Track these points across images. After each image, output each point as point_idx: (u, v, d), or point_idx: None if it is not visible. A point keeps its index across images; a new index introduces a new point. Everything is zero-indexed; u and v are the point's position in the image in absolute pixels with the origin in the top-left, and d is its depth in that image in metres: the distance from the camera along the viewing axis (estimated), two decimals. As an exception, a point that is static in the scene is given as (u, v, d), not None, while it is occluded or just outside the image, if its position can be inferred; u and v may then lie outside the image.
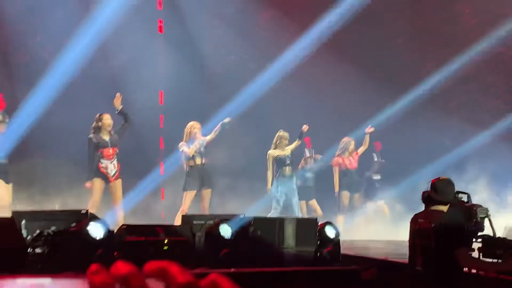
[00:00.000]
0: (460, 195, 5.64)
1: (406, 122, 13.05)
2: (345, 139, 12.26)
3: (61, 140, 10.87)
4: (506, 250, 5.27)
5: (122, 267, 0.67)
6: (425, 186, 5.63)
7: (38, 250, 5.87)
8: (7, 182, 9.36)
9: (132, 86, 11.58)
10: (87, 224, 5.87)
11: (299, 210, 11.40)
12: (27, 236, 6.02)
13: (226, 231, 6.55)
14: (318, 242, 6.91)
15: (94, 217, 6.26)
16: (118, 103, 9.88)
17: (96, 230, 5.88)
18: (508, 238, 5.54)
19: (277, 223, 6.95)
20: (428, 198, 5.49)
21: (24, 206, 9.42)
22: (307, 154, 12.47)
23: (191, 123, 10.70)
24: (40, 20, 11.83)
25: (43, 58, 11.57)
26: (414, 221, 5.55)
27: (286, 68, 13.52)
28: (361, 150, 12.35)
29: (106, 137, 9.80)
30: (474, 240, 5.50)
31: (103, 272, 0.67)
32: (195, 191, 10.33)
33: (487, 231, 5.56)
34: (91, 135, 9.79)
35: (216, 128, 10.49)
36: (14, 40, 11.77)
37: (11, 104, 10.04)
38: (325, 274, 6.17)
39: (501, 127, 12.81)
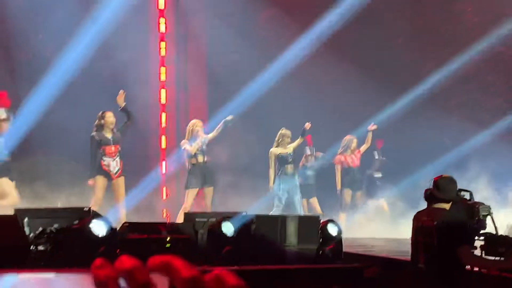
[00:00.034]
0: (462, 193, 5.64)
1: (407, 121, 13.04)
2: (347, 137, 12.26)
3: (64, 138, 10.88)
4: (508, 248, 5.27)
5: (126, 261, 0.67)
6: (426, 184, 5.63)
7: (40, 248, 5.88)
8: (11, 179, 9.42)
9: (134, 84, 11.57)
10: (89, 222, 5.88)
11: (301, 208, 11.40)
12: (29, 234, 6.03)
13: (228, 228, 6.55)
14: (320, 240, 6.91)
15: (96, 215, 6.27)
16: (121, 100, 9.88)
17: (98, 228, 5.88)
18: (511, 236, 5.54)
19: (279, 221, 6.95)
20: (430, 196, 5.49)
21: (26, 204, 9.43)
22: (308, 152, 12.47)
23: (193, 121, 10.70)
24: (42, 18, 11.84)
25: (45, 56, 11.57)
26: (416, 219, 5.55)
27: (287, 67, 13.51)
28: (363, 148, 12.35)
29: (109, 135, 9.80)
30: (476, 238, 5.50)
31: (108, 266, 0.67)
32: (197, 189, 10.33)
33: (490, 229, 5.56)
34: (94, 133, 9.80)
35: (218, 126, 10.49)
36: (16, 38, 11.78)
37: (13, 102, 10.05)
38: (327, 272, 6.17)
39: (502, 126, 12.80)
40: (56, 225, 6.02)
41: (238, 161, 12.30)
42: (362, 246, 8.72)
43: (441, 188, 5.46)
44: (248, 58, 12.67)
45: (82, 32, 11.95)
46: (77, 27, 11.94)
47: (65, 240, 5.87)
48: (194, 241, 6.60)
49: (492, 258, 5.36)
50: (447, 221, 5.29)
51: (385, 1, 13.85)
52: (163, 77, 13.23)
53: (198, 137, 10.38)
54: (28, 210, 6.71)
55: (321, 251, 6.84)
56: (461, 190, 5.62)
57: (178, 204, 11.55)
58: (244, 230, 6.59)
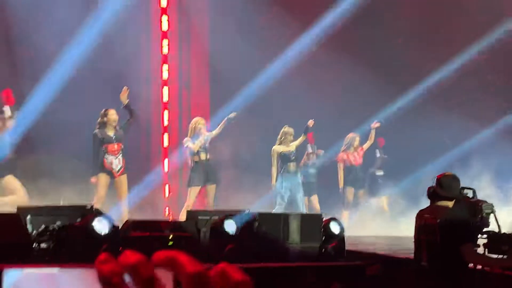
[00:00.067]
0: (465, 190, 5.63)
1: (408, 119, 13.03)
2: (350, 135, 12.27)
3: (66, 136, 10.88)
4: (511, 246, 5.26)
5: (130, 256, 0.67)
6: (428, 182, 5.62)
7: (43, 245, 5.88)
8: (16, 177, 9.50)
9: (136, 82, 11.57)
10: (92, 219, 5.88)
11: (304, 206, 11.40)
12: (32, 231, 6.03)
13: (231, 226, 6.55)
14: (323, 238, 6.91)
15: (99, 212, 6.27)
16: (124, 97, 9.88)
17: (101, 226, 5.88)
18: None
19: (282, 219, 6.95)
20: (433, 194, 5.48)
21: (29, 201, 9.46)
22: (310, 150, 12.47)
23: (195, 118, 10.71)
24: (44, 15, 11.83)
25: (47, 53, 11.57)
26: (419, 217, 5.55)
27: (289, 64, 13.50)
28: (366, 145, 12.36)
29: (111, 133, 9.80)
30: (479, 236, 5.49)
31: (112, 261, 0.66)
32: (200, 187, 10.33)
33: (493, 226, 5.55)
34: (96, 131, 9.80)
35: (221, 124, 10.50)
36: (17, 35, 11.78)
37: (16, 99, 10.05)
38: (329, 270, 6.17)
39: (504, 124, 12.79)
40: (58, 223, 6.02)
41: (241, 159, 12.30)
42: (364, 244, 8.71)
43: (444, 186, 5.45)
44: (250, 56, 12.65)
45: (84, 30, 11.95)
46: (79, 25, 11.93)
47: (68, 237, 5.87)
48: (197, 239, 6.60)
49: (495, 256, 5.36)
50: (450, 219, 5.29)
51: (386, 0, 13.86)
52: (165, 75, 13.22)
53: (201, 135, 10.38)
54: (31, 208, 6.71)
55: (323, 249, 6.84)
56: (464, 188, 5.62)
57: (180, 202, 11.55)
58: (246, 228, 6.59)
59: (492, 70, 13.53)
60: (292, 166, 11.28)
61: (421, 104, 13.22)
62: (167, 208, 12.50)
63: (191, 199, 10.29)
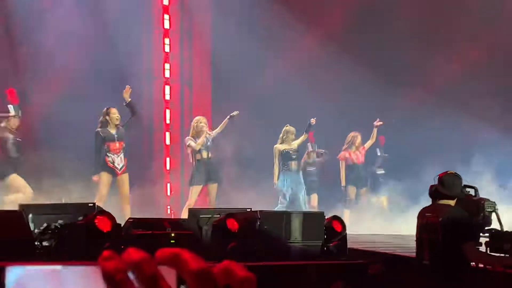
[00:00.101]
0: (467, 189, 5.63)
1: (410, 117, 13.02)
2: (352, 134, 12.27)
3: (68, 134, 10.89)
4: (513, 244, 5.26)
5: (134, 254, 0.67)
6: (428, 180, 5.62)
7: (45, 243, 5.89)
8: (20, 175, 9.60)
9: (138, 81, 11.57)
10: (94, 218, 5.88)
11: (306, 204, 11.40)
12: (34, 230, 6.03)
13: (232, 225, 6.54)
14: (325, 236, 6.90)
15: (101, 211, 6.27)
16: (127, 95, 9.91)
17: (103, 224, 5.88)
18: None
19: (284, 217, 6.94)
20: (435, 192, 5.48)
21: (31, 200, 9.49)
22: (310, 148, 12.49)
23: (197, 117, 10.72)
24: (46, 14, 11.83)
25: (48, 52, 11.57)
26: (421, 215, 5.54)
27: (291, 63, 13.50)
28: (368, 144, 12.36)
29: (113, 131, 9.82)
30: (481, 234, 5.49)
31: (116, 258, 0.66)
32: (202, 185, 10.34)
33: (495, 225, 5.55)
34: (98, 129, 9.82)
35: (224, 122, 10.52)
36: (19, 32, 11.78)
37: (18, 98, 10.07)
38: (331, 268, 6.17)
39: (505, 123, 12.79)
40: (60, 221, 6.03)
41: (243, 157, 12.29)
42: (366, 243, 8.71)
43: (446, 185, 5.45)
44: (252, 55, 12.65)
45: (86, 28, 11.94)
46: (81, 24, 11.93)
47: (70, 235, 5.88)
48: (199, 237, 6.60)
49: (497, 254, 5.35)
50: (452, 218, 5.28)
51: (386, 0, 13.86)
52: (167, 74, 13.21)
53: (203, 133, 10.39)
54: (33, 206, 6.71)
55: (325, 247, 6.83)
56: (466, 186, 5.61)
57: (182, 201, 11.56)
58: (248, 226, 6.59)
59: (493, 69, 13.51)
60: (293, 164, 11.29)
61: (421, 103, 13.21)
62: (168, 206, 12.51)
63: (192, 198, 10.29)
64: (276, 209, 10.77)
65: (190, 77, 13.65)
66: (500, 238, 5.40)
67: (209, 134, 10.47)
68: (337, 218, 7.10)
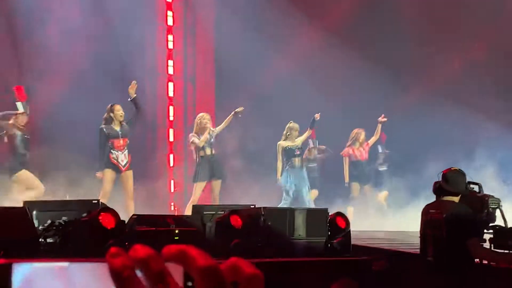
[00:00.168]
0: (471, 185, 5.62)
1: (412, 114, 13.01)
2: (356, 130, 12.26)
3: (72, 131, 10.90)
4: (518, 241, 5.26)
5: (141, 250, 0.67)
6: (432, 176, 5.61)
7: (49, 240, 5.90)
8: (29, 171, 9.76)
9: (141, 77, 11.57)
10: (98, 214, 5.88)
11: (310, 201, 11.40)
12: (38, 226, 6.04)
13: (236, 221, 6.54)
14: (329, 233, 6.90)
15: (105, 207, 6.27)
16: (132, 91, 9.92)
17: (107, 220, 5.88)
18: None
19: (288, 213, 6.94)
20: (439, 189, 5.47)
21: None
22: (311, 144, 12.49)
23: (201, 114, 10.72)
24: (49, 10, 11.83)
25: (52, 49, 11.58)
26: (425, 212, 5.54)
27: (295, 60, 13.49)
28: (372, 140, 12.34)
29: (117, 128, 9.83)
30: (485, 230, 5.48)
31: (123, 255, 0.66)
32: (205, 182, 10.35)
33: (499, 221, 5.54)
34: (102, 126, 9.83)
35: (228, 118, 10.52)
36: (23, 30, 11.79)
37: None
38: (335, 265, 6.17)
39: (509, 117, 12.77)
40: (65, 218, 6.03)
41: (246, 153, 12.30)
42: (370, 239, 8.71)
43: (450, 181, 5.44)
44: (255, 51, 12.65)
45: (89, 25, 11.95)
46: (85, 21, 11.94)
47: (74, 232, 5.88)
48: (202, 233, 6.60)
49: (501, 251, 5.35)
50: (456, 214, 5.28)
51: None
52: (170, 70, 13.22)
53: (206, 130, 10.39)
54: (37, 203, 6.72)
55: (329, 244, 6.83)
56: (470, 182, 5.61)
57: (186, 197, 11.57)
58: (252, 223, 6.59)
59: (495, 65, 13.49)
60: (297, 161, 11.29)
61: (424, 99, 13.20)
62: (172, 203, 12.52)
63: (196, 194, 10.30)
64: (279, 205, 10.77)
65: (194, 74, 13.65)
66: (504, 234, 5.39)
67: (213, 131, 10.47)
68: (340, 215, 7.09)
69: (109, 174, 9.76)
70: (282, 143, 11.32)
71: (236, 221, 6.50)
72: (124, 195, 9.89)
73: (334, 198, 11.85)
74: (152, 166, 12.41)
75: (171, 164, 12.91)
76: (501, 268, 5.25)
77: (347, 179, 12.24)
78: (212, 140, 10.45)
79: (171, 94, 13.19)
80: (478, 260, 5.30)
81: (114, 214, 5.94)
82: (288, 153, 11.26)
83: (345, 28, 13.51)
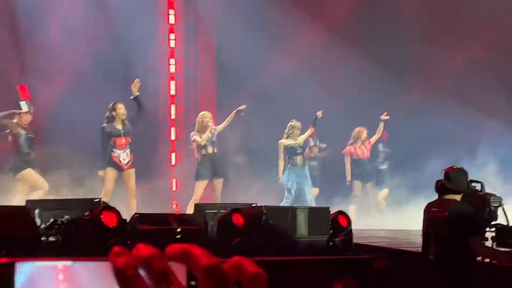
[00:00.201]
0: (473, 184, 5.62)
1: (414, 112, 13.00)
2: (357, 129, 12.25)
3: (74, 129, 10.92)
4: (520, 239, 5.26)
5: (144, 249, 0.67)
6: (434, 174, 5.61)
7: (51, 239, 5.90)
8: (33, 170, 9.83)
9: (143, 76, 11.57)
10: (100, 213, 5.89)
11: (312, 199, 11.40)
12: (40, 225, 6.05)
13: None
14: (331, 231, 6.90)
15: (107, 206, 6.28)
16: (135, 89, 9.92)
17: (109, 219, 5.89)
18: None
19: (290, 212, 6.95)
20: (441, 187, 5.47)
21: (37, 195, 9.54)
22: (312, 143, 12.49)
23: (202, 112, 10.72)
24: (51, 9, 11.84)
25: (55, 48, 11.59)
26: (427, 210, 5.53)
27: (296, 58, 13.48)
28: (374, 138, 12.34)
29: (119, 126, 9.83)
30: (487, 229, 5.48)
31: (126, 254, 0.66)
32: (207, 181, 10.35)
33: (501, 220, 5.54)
34: (105, 124, 9.83)
35: (230, 116, 10.52)
36: (25, 29, 11.79)
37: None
38: (337, 263, 6.17)
39: (511, 114, 12.76)
40: (67, 216, 6.04)
41: (248, 152, 12.31)
42: (372, 238, 8.71)
43: (452, 180, 5.44)
44: (257, 50, 12.65)
45: (91, 24, 11.95)
46: (87, 20, 11.94)
47: (76, 231, 5.89)
48: (204, 232, 6.61)
49: (503, 249, 5.35)
50: (458, 212, 5.27)
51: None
52: (172, 69, 13.22)
53: (208, 128, 10.39)
54: (39, 202, 6.73)
55: (331, 242, 6.84)
56: (472, 181, 5.60)
57: (187, 196, 11.56)
58: (254, 221, 6.59)
59: (496, 62, 13.47)
60: (299, 159, 11.29)
61: (426, 97, 13.19)
62: (174, 201, 12.53)
63: (198, 193, 10.30)
64: (281, 204, 10.77)
65: (195, 72, 13.65)
66: (506, 233, 5.40)
67: (215, 129, 10.47)
68: (342, 213, 7.10)
69: (111, 172, 9.76)
70: (284, 142, 11.32)
71: (238, 219, 6.50)
72: (126, 194, 9.89)
73: (335, 196, 11.84)
74: (154, 164, 12.41)
75: (173, 163, 12.91)
76: (502, 267, 5.25)
77: (349, 178, 12.23)
78: (213, 138, 10.45)
79: (172, 92, 13.19)
80: (480, 258, 5.29)
81: (116, 212, 5.95)
82: (290, 151, 11.26)
83: (347, 27, 13.49)
